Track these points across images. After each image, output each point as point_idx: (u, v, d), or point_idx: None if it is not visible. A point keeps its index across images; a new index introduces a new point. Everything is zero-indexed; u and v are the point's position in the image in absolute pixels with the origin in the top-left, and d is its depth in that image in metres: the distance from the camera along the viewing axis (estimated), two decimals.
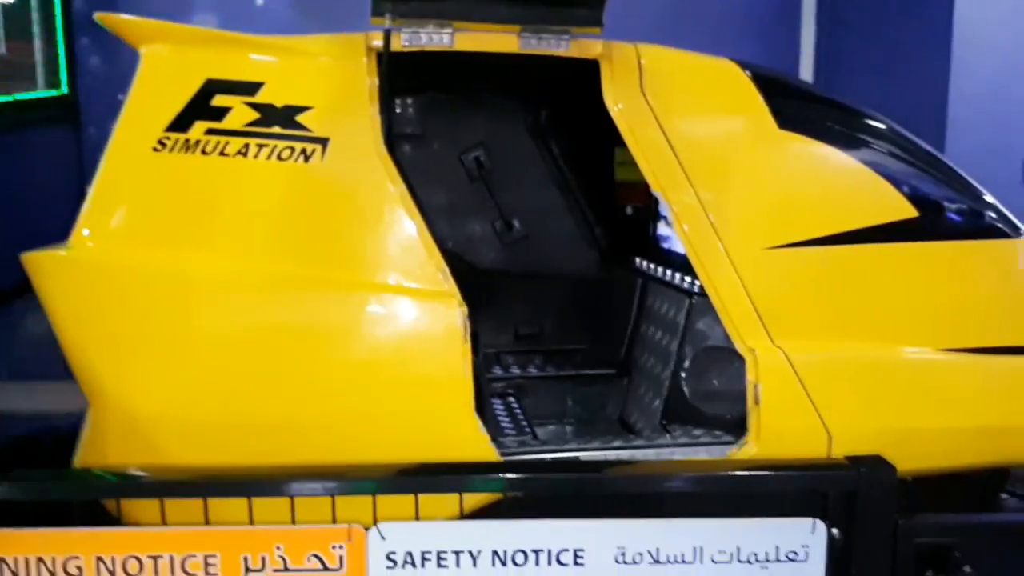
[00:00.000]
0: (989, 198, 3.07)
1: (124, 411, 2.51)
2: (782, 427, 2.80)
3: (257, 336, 2.56)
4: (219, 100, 2.58)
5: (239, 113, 2.58)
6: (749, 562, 1.60)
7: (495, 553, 1.84)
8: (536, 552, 1.81)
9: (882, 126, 3.10)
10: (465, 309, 2.61)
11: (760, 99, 2.86)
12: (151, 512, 2.02)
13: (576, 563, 1.76)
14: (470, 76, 3.70)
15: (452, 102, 4.12)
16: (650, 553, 1.68)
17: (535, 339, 4.05)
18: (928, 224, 2.92)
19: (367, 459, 2.58)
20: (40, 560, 1.82)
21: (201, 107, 2.57)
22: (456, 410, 2.60)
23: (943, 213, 2.95)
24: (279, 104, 2.59)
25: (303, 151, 2.59)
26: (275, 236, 2.60)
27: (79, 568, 1.85)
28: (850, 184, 2.89)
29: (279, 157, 2.58)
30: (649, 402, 3.27)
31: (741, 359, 2.93)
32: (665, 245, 3.88)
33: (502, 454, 2.69)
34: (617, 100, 2.78)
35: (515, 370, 3.65)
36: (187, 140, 2.57)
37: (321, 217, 2.63)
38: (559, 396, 3.62)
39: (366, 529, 1.90)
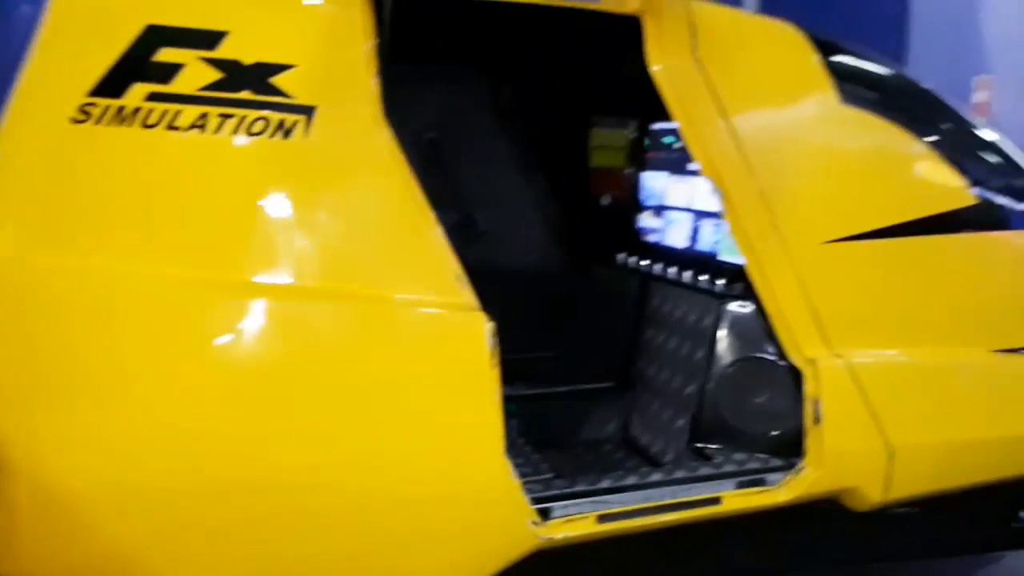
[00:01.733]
0: None
1: (39, 478, 1.82)
2: (843, 447, 2.45)
3: (226, 367, 1.93)
4: (165, 55, 1.93)
5: (194, 72, 1.93)
6: None
7: None
8: None
9: (939, 101, 2.80)
10: (493, 325, 2.09)
11: (822, 69, 2.47)
12: None
13: None
14: (424, 45, 3.14)
15: (403, 74, 3.54)
16: None
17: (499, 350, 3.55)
18: (987, 212, 2.64)
19: (370, 519, 2.02)
20: None
21: (140, 64, 1.91)
22: (485, 452, 2.07)
23: (1001, 199, 2.68)
24: (248, 61, 1.96)
25: (281, 123, 1.98)
26: (247, 236, 1.98)
27: None
28: (911, 167, 2.57)
29: (249, 131, 1.96)
30: (669, 421, 2.84)
31: (787, 371, 2.56)
32: (655, 239, 3.46)
33: (531, 500, 2.19)
34: (663, 63, 2.31)
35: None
36: (121, 108, 1.90)
37: (306, 210, 2.02)
38: (550, 416, 3.13)
39: None
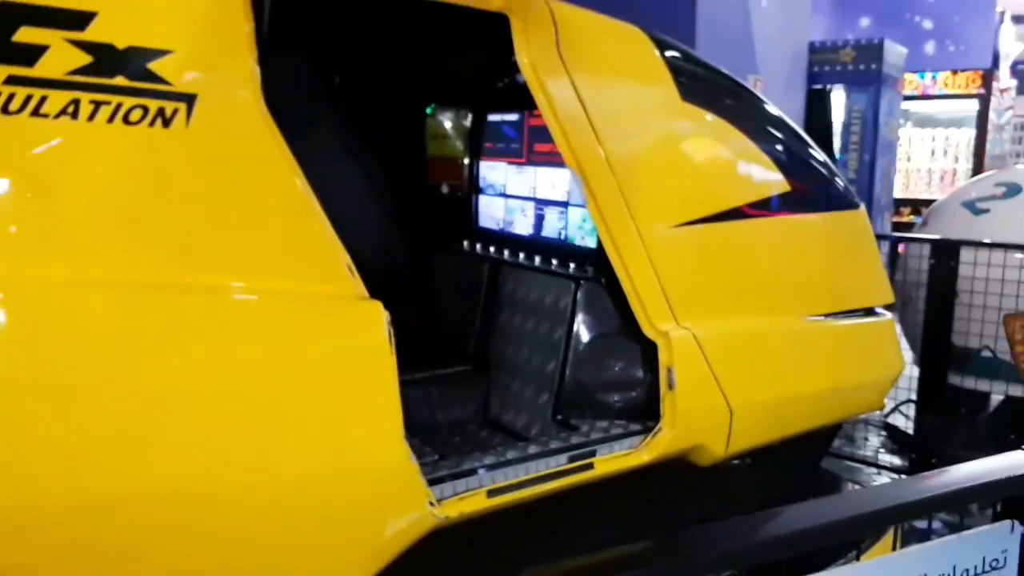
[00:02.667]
0: (838, 172, 3.26)
1: None
2: (693, 409, 2.72)
3: (107, 372, 1.79)
4: (26, 34, 1.75)
5: (60, 55, 1.77)
6: None
7: None
8: None
9: (758, 99, 3.13)
10: (388, 315, 2.11)
11: (666, 69, 2.70)
12: None
13: None
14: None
15: None
16: None
17: None
18: (798, 198, 3.01)
19: (276, 516, 1.98)
20: None
21: None
22: (387, 440, 2.09)
23: (809, 187, 3.07)
24: (121, 44, 1.83)
25: (160, 111, 1.86)
26: (123, 233, 1.85)
27: None
28: (740, 158, 2.87)
29: (126, 120, 1.83)
30: (532, 398, 2.99)
31: (638, 343, 2.79)
32: (497, 227, 3.60)
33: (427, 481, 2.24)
34: (531, 58, 2.42)
35: None
36: None
37: (188, 204, 1.92)
38: (414, 402, 3.17)
39: None
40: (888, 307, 3.49)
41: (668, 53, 2.76)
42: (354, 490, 2.05)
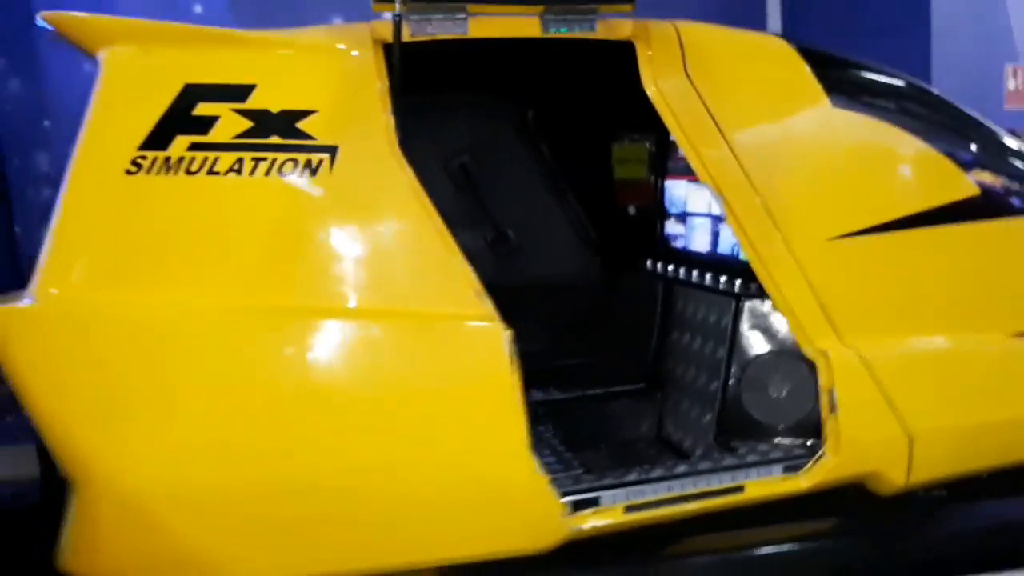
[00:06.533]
0: None
1: (118, 488, 2.07)
2: (861, 434, 2.53)
3: (270, 383, 2.15)
4: (203, 108, 2.17)
5: (228, 123, 2.17)
6: None
7: None
8: None
9: (929, 94, 2.88)
10: (511, 332, 2.26)
11: (811, 76, 2.59)
12: None
13: None
14: (446, 76, 3.35)
15: (431, 104, 3.75)
16: None
17: (535, 357, 3.72)
18: (990, 201, 2.71)
19: (405, 515, 2.21)
20: None
21: (181, 118, 2.16)
22: (511, 450, 2.24)
23: (1003, 188, 2.74)
24: (275, 109, 2.19)
25: (308, 163, 2.20)
26: (283, 265, 2.20)
27: None
28: (908, 162, 2.66)
29: (280, 172, 2.18)
30: (697, 418, 2.96)
31: (804, 363, 2.66)
32: (678, 244, 3.60)
33: (562, 493, 2.35)
34: (657, 83, 2.47)
35: (536, 393, 3.29)
36: (168, 158, 2.15)
37: (336, 239, 2.24)
38: (586, 418, 3.28)
39: None
40: None
41: (815, 61, 2.63)
42: (478, 499, 2.22)
